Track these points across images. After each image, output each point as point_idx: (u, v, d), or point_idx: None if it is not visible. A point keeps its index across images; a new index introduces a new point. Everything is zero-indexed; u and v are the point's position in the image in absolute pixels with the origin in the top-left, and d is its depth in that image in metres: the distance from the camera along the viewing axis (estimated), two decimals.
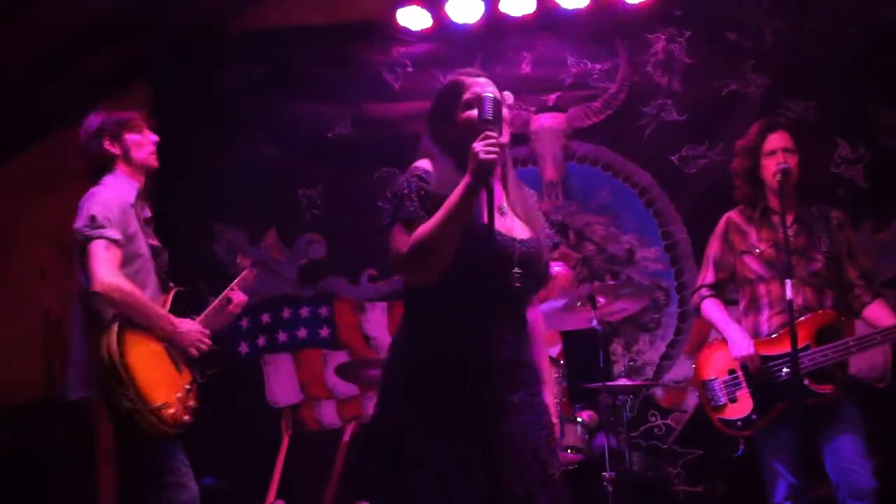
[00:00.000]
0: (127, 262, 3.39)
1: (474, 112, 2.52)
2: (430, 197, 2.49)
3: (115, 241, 3.33)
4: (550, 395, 2.79)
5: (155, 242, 3.62)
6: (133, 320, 3.31)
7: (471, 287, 2.43)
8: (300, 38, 6.06)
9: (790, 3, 5.59)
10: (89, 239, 3.31)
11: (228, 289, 3.77)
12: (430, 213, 2.44)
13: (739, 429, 3.87)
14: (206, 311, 3.68)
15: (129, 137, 3.57)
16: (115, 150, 3.54)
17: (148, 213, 3.64)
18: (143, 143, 3.60)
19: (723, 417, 3.92)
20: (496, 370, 2.50)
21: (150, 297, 3.43)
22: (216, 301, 3.74)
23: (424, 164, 2.58)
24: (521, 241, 2.55)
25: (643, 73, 5.79)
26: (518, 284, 2.47)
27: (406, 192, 2.50)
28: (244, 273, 3.91)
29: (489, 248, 2.39)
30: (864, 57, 5.43)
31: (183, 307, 3.60)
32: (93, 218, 3.32)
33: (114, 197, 3.44)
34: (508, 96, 2.61)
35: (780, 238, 3.77)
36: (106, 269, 3.25)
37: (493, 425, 2.43)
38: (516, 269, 2.46)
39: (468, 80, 2.65)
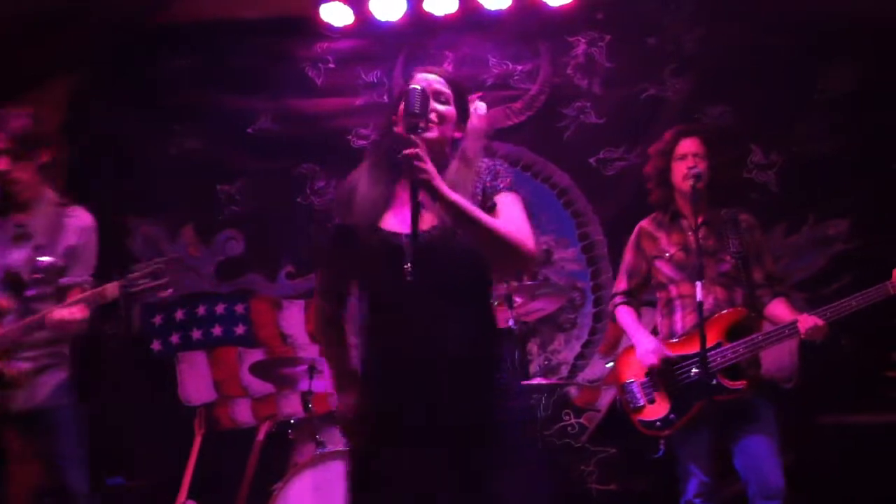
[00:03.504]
0: None
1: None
2: (342, 232, 2.54)
3: None
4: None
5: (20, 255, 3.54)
6: None
7: (388, 288, 2.45)
8: (226, 31, 5.98)
9: (710, 11, 5.68)
10: None
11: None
12: (359, 215, 2.49)
13: (658, 429, 3.91)
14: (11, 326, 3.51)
15: None
16: None
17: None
18: None
19: (642, 419, 3.95)
20: (445, 367, 2.47)
21: None
22: (28, 320, 3.48)
23: (354, 176, 2.61)
24: (428, 231, 2.48)
25: (564, 75, 5.84)
26: (410, 279, 2.42)
27: (325, 236, 2.60)
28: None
29: (415, 249, 2.40)
30: (780, 65, 5.54)
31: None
32: None
33: None
34: (482, 106, 2.57)
35: (690, 241, 3.85)
36: None
37: (440, 423, 2.43)
38: (406, 265, 2.43)
39: (417, 74, 2.64)
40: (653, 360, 3.88)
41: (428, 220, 2.49)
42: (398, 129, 2.41)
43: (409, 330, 2.46)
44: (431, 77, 2.61)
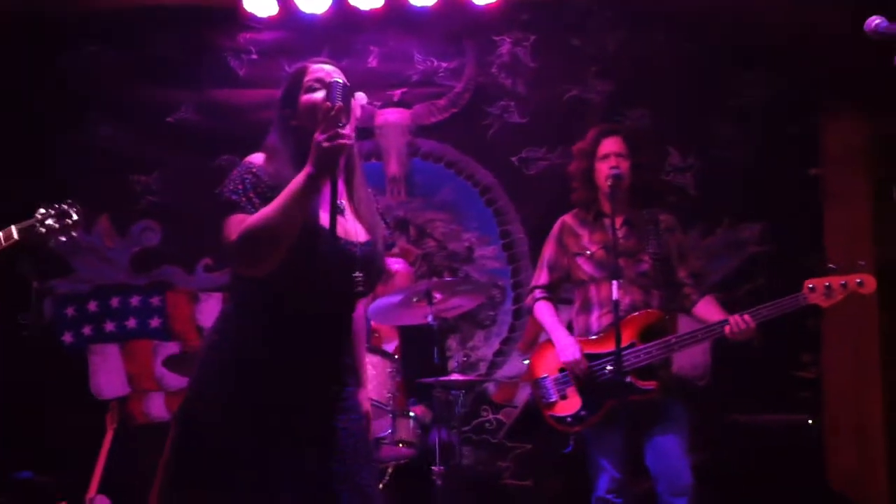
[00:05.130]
0: None
1: (316, 95, 2.47)
2: (265, 191, 2.37)
3: None
4: (364, 396, 2.77)
5: None
6: None
7: (307, 287, 2.38)
8: (147, 19, 5.83)
9: (632, 15, 5.76)
10: None
11: None
12: (264, 206, 2.34)
13: (570, 425, 3.96)
14: None
15: None
16: None
17: None
18: None
19: (554, 414, 4.00)
20: (324, 372, 2.48)
21: None
22: None
23: (257, 158, 2.47)
24: (361, 245, 2.48)
25: (489, 74, 5.86)
26: (361, 288, 2.44)
27: (240, 186, 2.38)
28: None
29: (330, 249, 2.34)
30: (700, 70, 5.65)
31: None
32: None
33: None
34: (362, 97, 2.53)
35: (611, 240, 3.88)
36: None
37: (313, 430, 2.41)
38: (358, 274, 2.41)
39: (312, 66, 2.58)
40: (575, 355, 3.91)
41: (360, 232, 2.51)
42: (321, 124, 2.33)
43: (318, 331, 2.45)
44: (330, 69, 2.57)
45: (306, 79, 2.54)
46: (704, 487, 3.84)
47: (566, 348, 3.95)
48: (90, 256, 5.81)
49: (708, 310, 3.98)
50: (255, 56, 5.91)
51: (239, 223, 2.32)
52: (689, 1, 5.51)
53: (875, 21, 2.52)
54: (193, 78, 5.91)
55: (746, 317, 3.73)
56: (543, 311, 4.16)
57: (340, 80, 2.40)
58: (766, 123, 5.57)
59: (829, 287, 3.70)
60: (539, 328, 5.07)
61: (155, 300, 5.76)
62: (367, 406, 2.74)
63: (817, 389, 5.36)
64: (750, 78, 5.64)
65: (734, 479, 4.76)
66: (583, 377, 3.91)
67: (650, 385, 3.83)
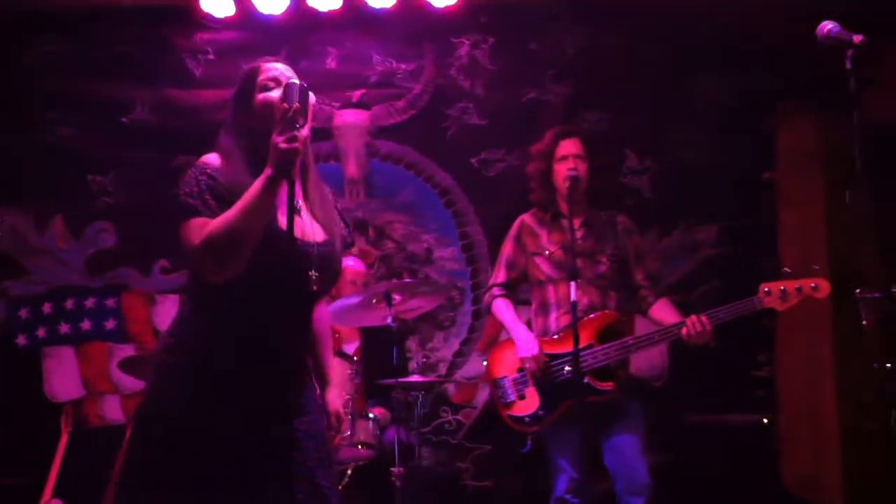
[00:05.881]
0: None
1: (271, 94, 2.45)
2: (221, 193, 2.36)
3: None
4: (335, 395, 2.77)
5: None
6: None
7: (264, 288, 2.37)
8: (102, 17, 5.77)
9: (591, 18, 5.80)
10: None
11: None
12: (223, 209, 2.32)
13: (527, 425, 3.97)
14: None
15: None
16: None
17: None
18: None
19: (512, 414, 4.01)
20: (283, 374, 2.47)
21: None
22: None
23: (211, 159, 2.45)
24: (318, 244, 2.48)
25: (447, 76, 5.87)
26: (316, 288, 2.43)
27: (196, 189, 2.36)
28: None
29: (287, 250, 2.33)
30: (657, 73, 5.71)
31: None
32: None
33: None
34: (311, 97, 2.52)
35: (569, 241, 3.88)
36: None
37: (275, 431, 2.40)
38: (314, 273, 2.41)
39: (265, 65, 2.56)
40: (533, 350, 3.93)
41: (317, 232, 2.51)
42: (278, 125, 2.31)
43: (276, 333, 2.44)
44: (284, 68, 2.56)
45: (260, 78, 2.53)
46: (662, 487, 3.87)
47: (525, 344, 3.97)
48: (44, 258, 5.73)
49: (663, 312, 4.02)
50: (212, 56, 5.86)
51: (200, 228, 2.30)
52: (646, 5, 5.56)
53: (827, 26, 2.58)
54: (150, 77, 5.84)
55: (703, 318, 3.76)
56: (502, 308, 4.17)
57: (297, 81, 2.38)
58: (722, 126, 5.63)
59: (784, 291, 3.75)
60: (498, 328, 5.10)
61: (110, 302, 5.69)
62: (335, 405, 2.75)
63: (772, 389, 5.43)
64: (706, 81, 5.70)
65: (691, 478, 4.82)
66: (541, 374, 3.92)
67: (607, 386, 3.86)
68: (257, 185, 2.28)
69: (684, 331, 3.79)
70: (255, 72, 2.56)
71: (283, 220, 2.34)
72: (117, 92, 5.84)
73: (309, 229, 2.49)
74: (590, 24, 5.81)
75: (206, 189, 2.36)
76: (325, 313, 2.79)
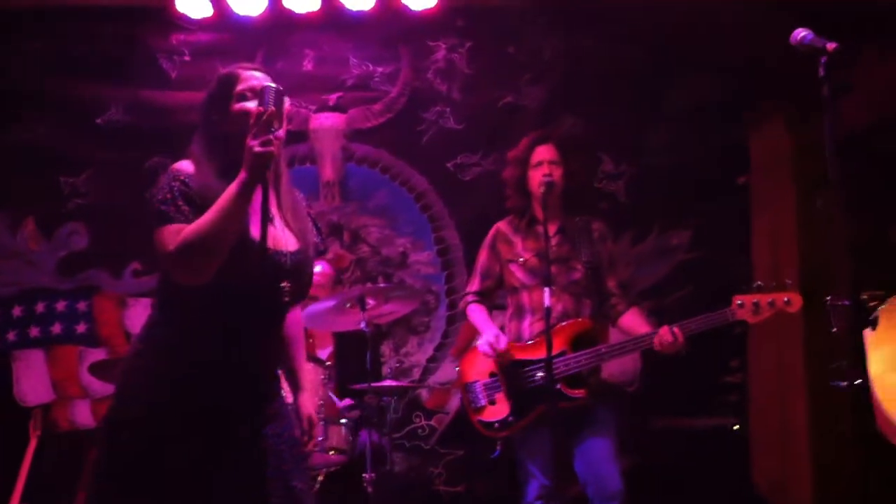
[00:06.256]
0: None
1: (248, 104, 2.43)
2: (194, 199, 2.35)
3: None
4: (307, 400, 2.75)
5: None
6: None
7: (236, 297, 2.35)
8: (77, 17, 5.72)
9: (567, 23, 5.81)
10: None
11: None
12: (196, 216, 2.31)
13: (497, 430, 3.96)
14: None
15: None
16: None
17: None
18: None
19: (482, 419, 3.99)
20: (254, 381, 2.46)
21: None
22: None
23: (184, 166, 2.44)
24: (291, 254, 2.47)
25: (424, 79, 5.87)
26: (287, 299, 2.43)
27: (169, 195, 2.35)
28: None
29: (260, 260, 2.32)
30: (633, 79, 5.73)
31: None
32: None
33: None
34: (287, 101, 2.50)
35: (544, 247, 3.87)
36: None
37: (246, 436, 2.39)
38: (286, 284, 2.41)
39: (244, 72, 2.54)
40: (500, 346, 3.91)
41: (290, 240, 2.50)
42: (253, 128, 2.29)
43: (247, 340, 2.43)
44: (262, 76, 2.54)
45: (239, 87, 2.51)
46: (633, 491, 3.87)
47: (492, 339, 3.95)
48: (15, 260, 5.69)
49: (633, 321, 4.01)
50: (187, 58, 5.84)
51: (175, 234, 2.29)
52: (622, 11, 5.58)
53: (801, 33, 2.59)
54: (124, 78, 5.81)
55: (676, 329, 3.76)
56: (476, 313, 4.16)
57: (273, 85, 2.37)
58: (696, 131, 5.66)
59: (756, 304, 3.75)
60: (473, 334, 5.08)
61: (81, 305, 5.65)
62: (308, 410, 2.73)
63: (744, 394, 5.46)
64: (681, 86, 5.73)
65: (663, 483, 4.82)
66: (509, 381, 3.91)
67: (579, 393, 3.85)
68: (231, 189, 2.27)
69: (656, 340, 3.79)
70: (232, 79, 2.53)
71: (255, 230, 2.33)
72: (91, 92, 5.81)
73: (282, 238, 2.48)
74: (566, 29, 5.83)
75: (180, 195, 2.35)
76: (297, 317, 2.78)
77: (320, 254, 2.77)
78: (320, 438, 4.21)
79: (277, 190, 2.55)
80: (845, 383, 2.56)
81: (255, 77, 2.52)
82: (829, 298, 3.40)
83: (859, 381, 2.42)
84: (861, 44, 4.26)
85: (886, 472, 2.88)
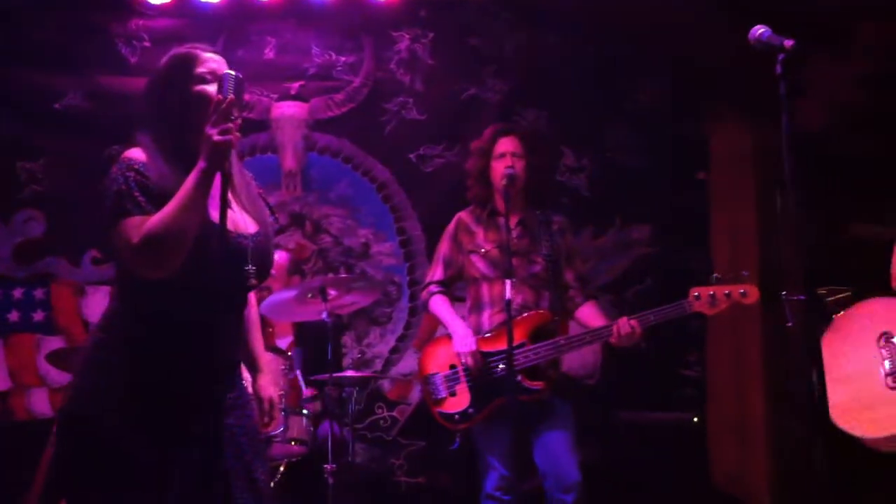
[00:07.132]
0: None
1: (208, 87, 2.38)
2: (152, 190, 2.29)
3: None
4: (267, 382, 2.74)
5: None
6: None
7: (200, 285, 2.30)
8: (36, 1, 5.64)
9: (530, 17, 5.83)
10: None
11: None
12: (154, 206, 2.26)
13: (457, 422, 3.97)
14: None
15: None
16: None
17: None
18: None
19: (442, 411, 4.00)
20: (216, 369, 2.42)
21: None
22: None
23: (136, 154, 2.36)
24: (251, 237, 2.44)
25: (387, 70, 5.86)
26: (254, 282, 2.40)
27: (125, 187, 2.28)
28: None
29: (223, 245, 2.26)
30: (595, 73, 5.76)
31: None
32: None
33: None
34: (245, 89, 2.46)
35: (505, 239, 3.89)
36: None
37: (208, 427, 2.34)
38: (250, 267, 2.38)
39: (202, 54, 2.45)
40: (471, 346, 3.92)
41: (248, 223, 2.47)
42: (212, 116, 2.25)
43: (209, 329, 2.37)
44: (220, 59, 2.47)
45: (199, 69, 2.43)
46: (592, 484, 3.90)
47: (462, 339, 3.96)
48: None
49: (590, 314, 4.04)
50: (147, 43, 5.76)
51: (136, 227, 2.23)
52: (585, 6, 5.60)
53: (759, 31, 2.61)
54: (82, 64, 5.73)
55: (634, 322, 3.79)
56: (440, 304, 4.16)
57: (232, 73, 2.33)
58: (657, 127, 5.71)
59: (713, 296, 3.79)
60: (434, 325, 5.09)
61: (38, 293, 5.58)
62: (268, 391, 2.71)
63: (702, 388, 5.52)
64: (642, 82, 5.78)
65: (622, 476, 4.86)
66: (475, 370, 3.92)
67: (538, 385, 3.87)
68: (191, 179, 2.24)
69: (614, 331, 3.82)
70: (190, 60, 2.44)
71: (214, 215, 2.30)
72: (49, 78, 5.73)
73: (241, 222, 2.45)
74: (529, 22, 5.84)
75: (136, 186, 2.29)
76: (252, 300, 2.75)
77: (279, 231, 2.74)
78: (281, 429, 4.17)
79: (230, 175, 2.47)
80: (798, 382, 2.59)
81: (215, 60, 2.45)
82: (784, 293, 3.46)
83: (813, 378, 2.45)
84: (814, 46, 4.31)
85: (844, 464, 2.92)
